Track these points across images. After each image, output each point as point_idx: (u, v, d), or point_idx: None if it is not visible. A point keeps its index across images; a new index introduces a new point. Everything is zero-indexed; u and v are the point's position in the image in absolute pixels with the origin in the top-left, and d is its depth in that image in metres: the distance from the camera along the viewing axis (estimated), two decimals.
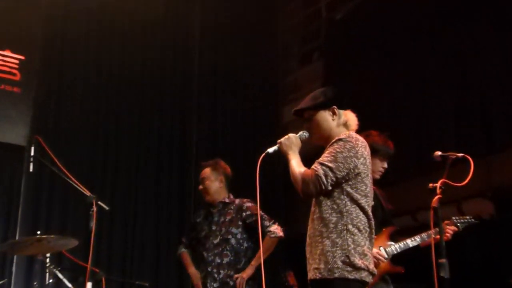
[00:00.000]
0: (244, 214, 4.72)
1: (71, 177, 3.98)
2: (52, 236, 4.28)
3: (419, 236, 4.12)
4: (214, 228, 4.75)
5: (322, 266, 2.93)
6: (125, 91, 7.16)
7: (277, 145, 3.24)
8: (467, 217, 4.27)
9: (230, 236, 4.67)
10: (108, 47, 7.12)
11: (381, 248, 4.02)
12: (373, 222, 3.07)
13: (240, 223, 4.71)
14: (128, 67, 7.23)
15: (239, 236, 4.69)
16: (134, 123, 7.16)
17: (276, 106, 8.11)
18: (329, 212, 2.99)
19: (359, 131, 3.24)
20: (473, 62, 5.71)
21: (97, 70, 7.03)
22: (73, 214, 6.32)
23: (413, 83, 6.19)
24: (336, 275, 2.89)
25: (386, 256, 4.00)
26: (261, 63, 8.13)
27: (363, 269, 2.92)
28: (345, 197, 2.99)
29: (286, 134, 3.30)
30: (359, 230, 2.97)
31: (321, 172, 2.96)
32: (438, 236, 4.03)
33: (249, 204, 4.76)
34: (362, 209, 3.01)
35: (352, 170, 3.00)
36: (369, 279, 2.96)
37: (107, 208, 3.99)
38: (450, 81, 5.84)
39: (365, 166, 3.05)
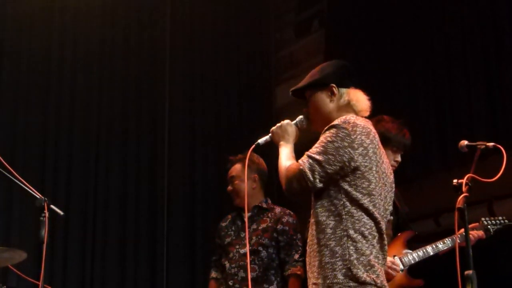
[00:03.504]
0: (279, 227, 4.77)
1: (16, 174, 3.98)
2: None
3: (441, 242, 4.18)
4: (242, 235, 4.81)
5: (320, 281, 2.96)
6: (82, 65, 7.19)
7: (270, 134, 3.32)
8: (500, 218, 4.32)
9: (260, 248, 4.72)
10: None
11: (396, 257, 4.07)
12: (383, 226, 3.08)
13: (275, 235, 4.76)
14: (84, 43, 7.24)
15: (271, 250, 4.73)
16: (92, 105, 7.16)
17: (268, 85, 8.13)
18: (326, 215, 3.02)
19: (369, 117, 3.28)
20: (508, 29, 5.75)
21: (43, 46, 7.03)
22: (20, 220, 6.33)
23: (437, 59, 6.22)
24: None
25: (401, 267, 4.05)
26: (248, 33, 8.14)
27: (369, 284, 2.93)
28: (343, 196, 3.01)
29: (280, 119, 3.35)
30: (364, 236, 2.98)
31: (306, 166, 3.00)
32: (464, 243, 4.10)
33: (289, 220, 4.80)
34: (366, 210, 3.01)
35: (347, 164, 3.00)
36: None
37: (61, 213, 3.99)
38: (482, 57, 5.87)
39: (367, 158, 3.04)
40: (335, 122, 3.07)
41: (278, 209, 4.88)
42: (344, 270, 2.92)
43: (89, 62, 7.22)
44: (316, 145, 3.07)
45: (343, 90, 3.24)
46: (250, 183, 4.88)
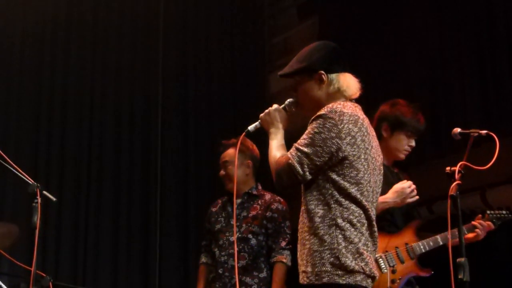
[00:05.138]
0: (268, 214, 4.74)
1: (7, 159, 3.96)
2: None
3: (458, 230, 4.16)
4: (232, 222, 4.77)
5: (309, 269, 2.97)
6: (75, 46, 7.15)
7: (259, 121, 3.28)
8: (504, 212, 4.31)
9: (250, 235, 4.69)
10: None
11: (407, 245, 4.06)
12: (372, 213, 3.07)
13: (264, 222, 4.73)
14: (77, 24, 7.22)
15: (261, 237, 4.71)
16: (85, 91, 7.14)
17: (261, 72, 8.11)
18: (315, 204, 3.02)
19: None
20: (502, 17, 5.74)
21: (37, 27, 7.00)
22: (12, 206, 6.33)
23: (431, 47, 6.22)
24: (325, 280, 2.92)
25: (411, 255, 4.03)
26: (242, 19, 8.11)
27: (357, 272, 2.94)
28: (331, 186, 3.00)
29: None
30: (352, 225, 2.98)
31: (295, 159, 2.98)
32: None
33: (279, 207, 4.77)
34: (354, 199, 3.00)
35: (335, 154, 2.98)
36: (366, 283, 2.98)
37: (54, 199, 3.99)
38: (475, 44, 5.87)
39: (355, 147, 3.02)
40: (322, 111, 3.04)
41: (268, 196, 4.85)
42: (332, 258, 2.93)
43: (82, 44, 7.19)
44: (304, 136, 3.04)
45: (333, 76, 3.17)
46: (243, 169, 4.84)
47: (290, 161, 2.99)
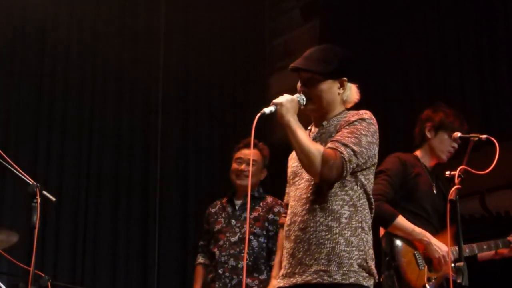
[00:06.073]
0: (270, 217, 4.78)
1: (7, 158, 3.96)
2: None
3: (486, 244, 4.17)
4: (233, 222, 4.80)
5: (334, 268, 2.94)
6: (75, 49, 7.16)
7: (274, 106, 3.07)
8: None
9: (251, 237, 4.72)
10: None
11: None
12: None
13: (266, 224, 4.76)
14: (78, 27, 7.22)
15: (262, 239, 4.74)
16: (84, 89, 7.15)
17: (261, 74, 8.11)
18: (340, 204, 3.00)
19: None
20: (503, 19, 5.74)
21: (38, 29, 7.00)
22: (11, 206, 6.33)
23: (431, 50, 6.22)
24: (352, 280, 2.94)
25: (452, 258, 4.01)
26: (243, 22, 8.11)
27: (373, 277, 3.02)
28: (359, 188, 3.03)
29: None
30: (369, 229, 3.05)
31: (346, 155, 2.92)
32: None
33: (281, 210, 4.75)
34: (371, 205, 3.08)
35: (371, 159, 3.04)
36: None
37: (53, 199, 3.98)
38: (475, 47, 5.87)
39: (377, 156, 3.11)
40: (364, 116, 3.05)
41: (270, 199, 4.88)
42: (359, 260, 2.96)
43: (83, 47, 7.19)
44: (348, 134, 2.99)
45: (349, 85, 3.19)
46: (260, 174, 4.90)
47: (343, 156, 2.92)
